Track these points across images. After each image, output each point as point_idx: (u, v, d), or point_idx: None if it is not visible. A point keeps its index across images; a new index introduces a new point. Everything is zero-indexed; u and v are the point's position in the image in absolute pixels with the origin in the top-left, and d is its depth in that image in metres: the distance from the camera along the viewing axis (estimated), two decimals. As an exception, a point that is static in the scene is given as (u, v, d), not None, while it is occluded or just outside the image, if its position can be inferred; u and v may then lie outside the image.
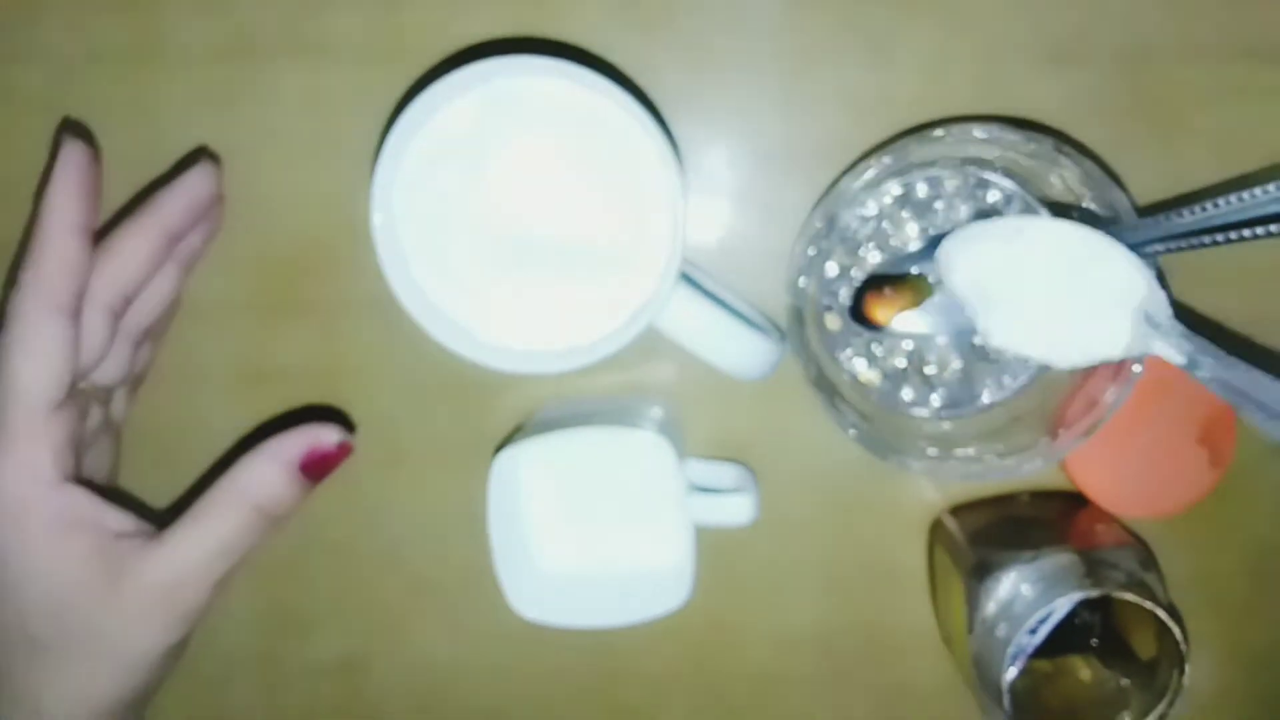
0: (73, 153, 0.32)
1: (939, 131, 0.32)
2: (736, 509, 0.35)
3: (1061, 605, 0.33)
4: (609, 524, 0.38)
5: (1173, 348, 0.30)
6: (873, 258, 0.36)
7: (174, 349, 0.40)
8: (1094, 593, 0.33)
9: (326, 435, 0.32)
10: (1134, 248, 0.31)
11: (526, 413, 0.40)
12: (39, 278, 0.30)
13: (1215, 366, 0.30)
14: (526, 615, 0.36)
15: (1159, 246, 0.31)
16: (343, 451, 0.32)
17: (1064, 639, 0.37)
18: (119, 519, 0.31)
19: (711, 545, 0.37)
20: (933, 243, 0.35)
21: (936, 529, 0.40)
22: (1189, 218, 0.30)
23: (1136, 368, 0.32)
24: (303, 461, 0.32)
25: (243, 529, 0.31)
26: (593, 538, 0.38)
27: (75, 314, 0.31)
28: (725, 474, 0.38)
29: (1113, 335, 0.32)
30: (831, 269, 0.36)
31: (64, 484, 0.30)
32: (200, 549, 0.30)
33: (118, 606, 0.30)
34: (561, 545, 0.38)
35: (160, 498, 0.41)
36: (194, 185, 0.35)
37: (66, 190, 0.31)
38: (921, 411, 0.37)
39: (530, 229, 0.32)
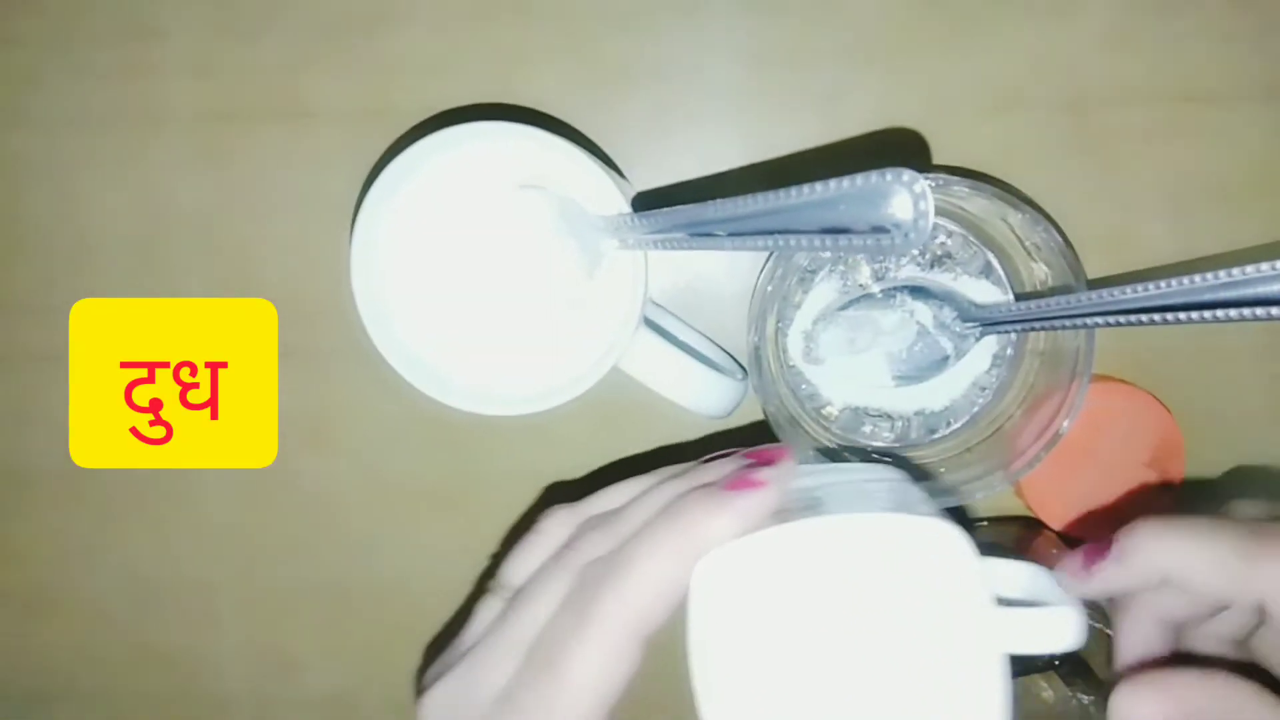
0: (766, 500, 0.26)
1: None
2: (1063, 628, 0.25)
3: (1015, 628, 0.34)
4: (869, 658, 0.25)
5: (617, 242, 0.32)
6: (828, 294, 0.38)
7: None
8: (1045, 614, 0.34)
9: None
10: (1078, 318, 0.31)
11: (509, 452, 0.41)
12: (645, 600, 0.26)
13: (641, 228, 0.31)
14: None
15: (1099, 320, 0.31)
16: None
17: (1028, 659, 0.38)
18: None
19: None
20: (891, 290, 0.37)
21: (902, 556, 0.41)
22: (1133, 295, 0.29)
23: (1080, 394, 0.34)
24: None
25: None
26: (849, 680, 0.25)
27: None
28: (1019, 574, 0.27)
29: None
30: (791, 306, 0.38)
31: None
32: None
33: None
34: (805, 692, 0.25)
35: (158, 547, 0.43)
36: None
37: (732, 528, 0.25)
38: (879, 444, 0.39)
39: (503, 279, 0.34)
